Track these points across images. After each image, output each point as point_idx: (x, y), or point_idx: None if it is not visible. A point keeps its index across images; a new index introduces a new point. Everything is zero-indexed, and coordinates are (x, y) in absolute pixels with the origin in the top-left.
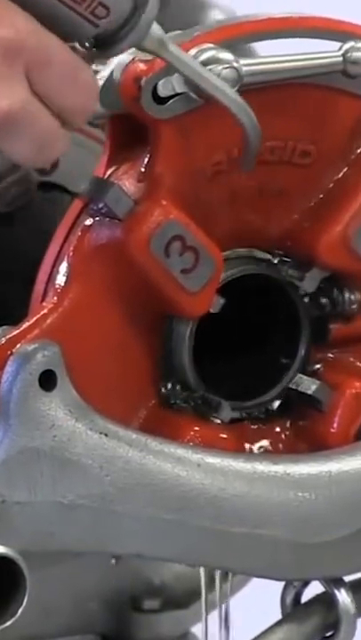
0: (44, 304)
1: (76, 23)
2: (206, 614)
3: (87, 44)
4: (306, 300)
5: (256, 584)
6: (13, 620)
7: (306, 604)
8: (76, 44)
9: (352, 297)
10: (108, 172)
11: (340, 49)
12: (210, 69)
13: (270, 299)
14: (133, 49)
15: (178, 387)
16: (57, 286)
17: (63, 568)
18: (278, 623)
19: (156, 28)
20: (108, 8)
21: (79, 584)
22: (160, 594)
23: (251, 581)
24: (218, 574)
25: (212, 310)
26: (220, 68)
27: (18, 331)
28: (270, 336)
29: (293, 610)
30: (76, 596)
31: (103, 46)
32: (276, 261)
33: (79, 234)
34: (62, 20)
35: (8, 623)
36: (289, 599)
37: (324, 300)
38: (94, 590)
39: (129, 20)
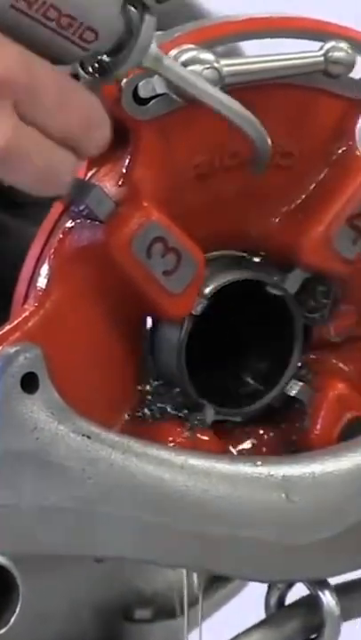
0: (25, 306)
1: (64, 47)
2: (201, 623)
3: (90, 70)
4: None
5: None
6: (6, 628)
7: (289, 606)
8: (80, 71)
9: (334, 297)
10: (90, 174)
11: (321, 49)
12: (191, 70)
13: (261, 304)
14: None
15: (162, 389)
16: (38, 289)
17: (56, 576)
18: (258, 625)
19: (154, 48)
20: (95, 32)
21: (72, 592)
22: (152, 603)
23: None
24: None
25: (194, 312)
26: (201, 68)
27: None
28: (262, 342)
29: (276, 612)
30: (68, 605)
31: (105, 71)
32: (258, 262)
33: (60, 236)
34: (50, 45)
35: (1, 632)
36: (273, 601)
37: (306, 302)
38: (86, 599)
39: (126, 44)
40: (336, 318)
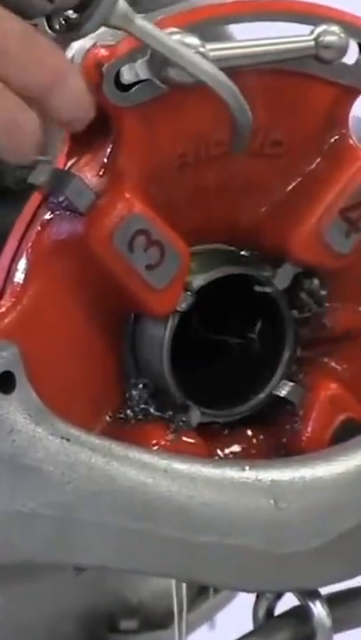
0: (1, 302)
1: (29, 0)
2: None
3: (57, 27)
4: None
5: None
6: None
7: (279, 616)
8: (47, 29)
9: (326, 293)
10: (69, 164)
11: (311, 33)
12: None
13: (250, 300)
14: (97, 33)
15: (146, 389)
16: (15, 284)
17: (36, 585)
18: (245, 636)
19: (123, 5)
20: None
21: (53, 603)
22: (138, 613)
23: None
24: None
25: (179, 308)
26: None
27: None
28: (250, 340)
29: (264, 623)
30: (49, 616)
31: (72, 28)
32: (247, 256)
33: (38, 228)
34: None
35: None
36: (261, 612)
37: (297, 298)
38: (69, 609)
39: None
40: (329, 315)
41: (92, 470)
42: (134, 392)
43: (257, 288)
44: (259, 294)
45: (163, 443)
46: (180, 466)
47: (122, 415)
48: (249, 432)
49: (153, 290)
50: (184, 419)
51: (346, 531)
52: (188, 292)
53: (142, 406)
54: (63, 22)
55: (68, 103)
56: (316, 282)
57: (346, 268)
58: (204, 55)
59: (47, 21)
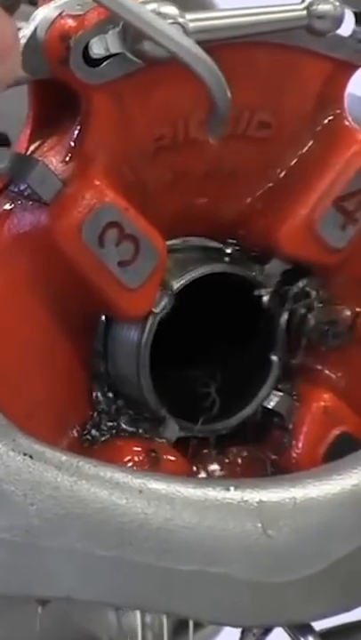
0: None
1: None
2: None
3: None
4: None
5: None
6: None
7: None
8: None
9: (318, 293)
10: (32, 148)
11: (303, 1)
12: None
13: (235, 301)
14: (64, 1)
15: (118, 400)
16: None
17: None
18: None
19: None
20: None
21: None
22: None
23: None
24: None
25: (155, 310)
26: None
27: None
28: (236, 346)
29: None
30: None
31: None
32: (231, 252)
33: None
34: None
35: None
36: None
37: (286, 298)
38: None
39: None
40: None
41: (58, 491)
42: (105, 404)
43: (255, 292)
44: (244, 294)
45: (137, 460)
46: (157, 485)
47: (91, 429)
48: (234, 449)
49: (126, 289)
50: (161, 434)
51: (341, 558)
52: (166, 292)
53: (114, 419)
54: None
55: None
56: (307, 280)
57: (341, 264)
58: (182, 26)
59: None
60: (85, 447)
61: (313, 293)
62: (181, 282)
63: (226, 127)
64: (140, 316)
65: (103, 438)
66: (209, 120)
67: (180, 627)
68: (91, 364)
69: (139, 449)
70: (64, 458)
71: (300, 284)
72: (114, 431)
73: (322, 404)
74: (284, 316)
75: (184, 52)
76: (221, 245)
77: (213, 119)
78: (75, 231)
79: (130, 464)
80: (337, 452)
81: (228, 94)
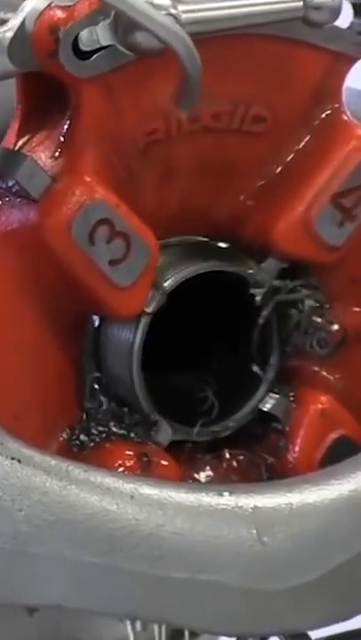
0: None
1: None
2: None
3: None
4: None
5: None
6: None
7: None
8: None
9: (315, 292)
10: (20, 143)
11: None
12: None
13: (229, 300)
14: None
15: (110, 402)
16: None
17: None
18: None
19: None
20: None
21: None
22: None
23: None
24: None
25: (148, 310)
26: None
27: None
28: (230, 347)
29: None
30: None
31: None
32: (226, 249)
33: None
34: None
35: None
36: None
37: (281, 297)
38: None
39: None
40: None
41: (47, 496)
42: (96, 406)
43: (251, 291)
44: (239, 293)
45: (128, 464)
46: (149, 491)
47: (80, 433)
48: (228, 453)
49: (117, 288)
50: (153, 437)
51: (339, 565)
52: (159, 291)
53: (105, 422)
54: None
55: None
56: (305, 278)
57: (339, 262)
58: (175, 18)
59: None
60: (75, 452)
61: (307, 294)
62: (174, 280)
63: (197, 99)
64: (131, 315)
65: (92, 443)
66: (180, 91)
67: (175, 635)
68: (81, 364)
69: (130, 453)
70: (53, 462)
71: (298, 282)
72: (104, 435)
73: (319, 406)
74: (281, 315)
75: (147, 19)
76: (215, 243)
77: (185, 90)
78: (64, 228)
79: (121, 468)
80: (335, 456)
81: (200, 64)
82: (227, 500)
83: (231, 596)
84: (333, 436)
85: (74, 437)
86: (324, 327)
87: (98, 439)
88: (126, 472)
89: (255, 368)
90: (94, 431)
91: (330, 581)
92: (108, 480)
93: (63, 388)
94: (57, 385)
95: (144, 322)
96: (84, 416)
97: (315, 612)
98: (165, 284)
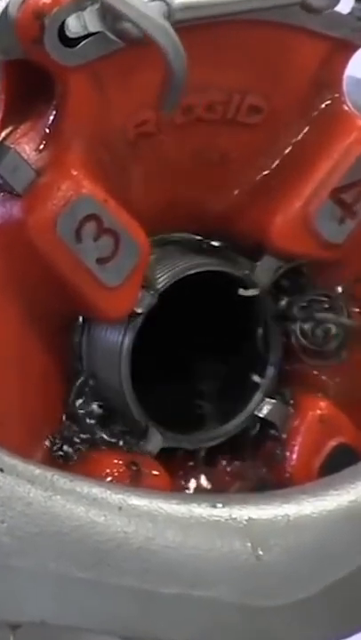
0: None
1: None
2: None
3: None
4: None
5: None
6: None
7: None
8: None
9: (314, 292)
10: (3, 134)
11: None
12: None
13: (224, 301)
14: None
15: (97, 408)
16: None
17: None
18: None
19: None
20: None
21: None
22: None
23: None
24: None
25: (138, 310)
26: (146, 0)
27: None
28: (226, 351)
29: None
30: None
31: None
32: (219, 247)
33: None
34: None
35: None
36: None
37: (280, 298)
38: None
39: None
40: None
41: (31, 507)
42: (82, 411)
43: (242, 292)
44: (233, 293)
45: (117, 473)
46: (138, 502)
47: (67, 440)
48: (222, 461)
49: (105, 288)
50: (143, 445)
51: (338, 580)
52: (150, 291)
53: (91, 430)
54: None
55: None
56: (302, 278)
57: (339, 261)
58: (166, 4)
59: None
60: (60, 462)
61: (310, 292)
62: (166, 280)
63: (180, 101)
64: (120, 316)
65: (78, 452)
66: (163, 91)
67: None
68: (67, 368)
69: (119, 462)
70: (37, 471)
71: (296, 282)
72: (91, 443)
73: (318, 412)
74: (279, 317)
75: (130, 10)
76: (209, 241)
77: (168, 90)
78: (49, 225)
79: (109, 478)
80: (334, 464)
81: (185, 60)
82: (220, 511)
83: (225, 613)
84: (332, 443)
85: (58, 444)
86: (332, 320)
87: (84, 447)
88: (115, 482)
89: (255, 378)
90: (78, 439)
91: (329, 597)
92: (96, 490)
93: (48, 392)
94: (41, 388)
95: (134, 323)
96: (70, 422)
97: (313, 629)
98: (157, 285)
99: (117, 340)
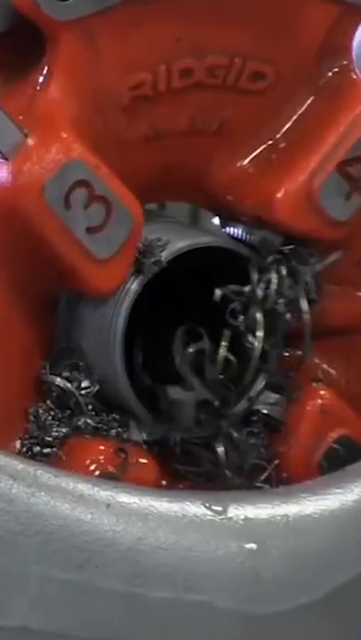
0: None
1: None
2: None
3: None
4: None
5: None
6: None
7: None
8: None
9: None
10: None
11: None
12: None
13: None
14: None
15: (83, 391)
16: None
17: None
18: None
19: None
20: None
21: None
22: None
23: None
24: None
25: (129, 286)
26: None
27: None
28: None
29: None
30: None
31: None
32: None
33: None
34: None
35: None
36: None
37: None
38: None
39: None
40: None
41: (13, 504)
42: (66, 395)
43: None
44: (232, 270)
45: (102, 461)
46: (127, 499)
47: (44, 429)
48: (218, 452)
49: (95, 260)
50: (132, 431)
51: (340, 585)
52: (143, 265)
53: (76, 411)
54: None
55: None
56: (305, 257)
57: (344, 240)
58: None
59: None
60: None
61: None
62: (162, 254)
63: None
64: (110, 291)
65: (57, 441)
66: None
67: None
68: (55, 348)
69: (106, 448)
70: (20, 466)
71: (296, 260)
72: (70, 429)
73: (319, 401)
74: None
75: None
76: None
77: None
78: (36, 189)
79: (94, 465)
80: (335, 457)
81: None
82: (215, 510)
83: (219, 619)
84: (334, 435)
85: (35, 435)
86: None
87: (66, 431)
88: (101, 468)
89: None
90: (59, 421)
91: (331, 603)
92: (82, 486)
93: (28, 376)
94: (23, 372)
95: (129, 297)
96: (51, 402)
97: (314, 637)
98: (151, 258)
99: (109, 316)
